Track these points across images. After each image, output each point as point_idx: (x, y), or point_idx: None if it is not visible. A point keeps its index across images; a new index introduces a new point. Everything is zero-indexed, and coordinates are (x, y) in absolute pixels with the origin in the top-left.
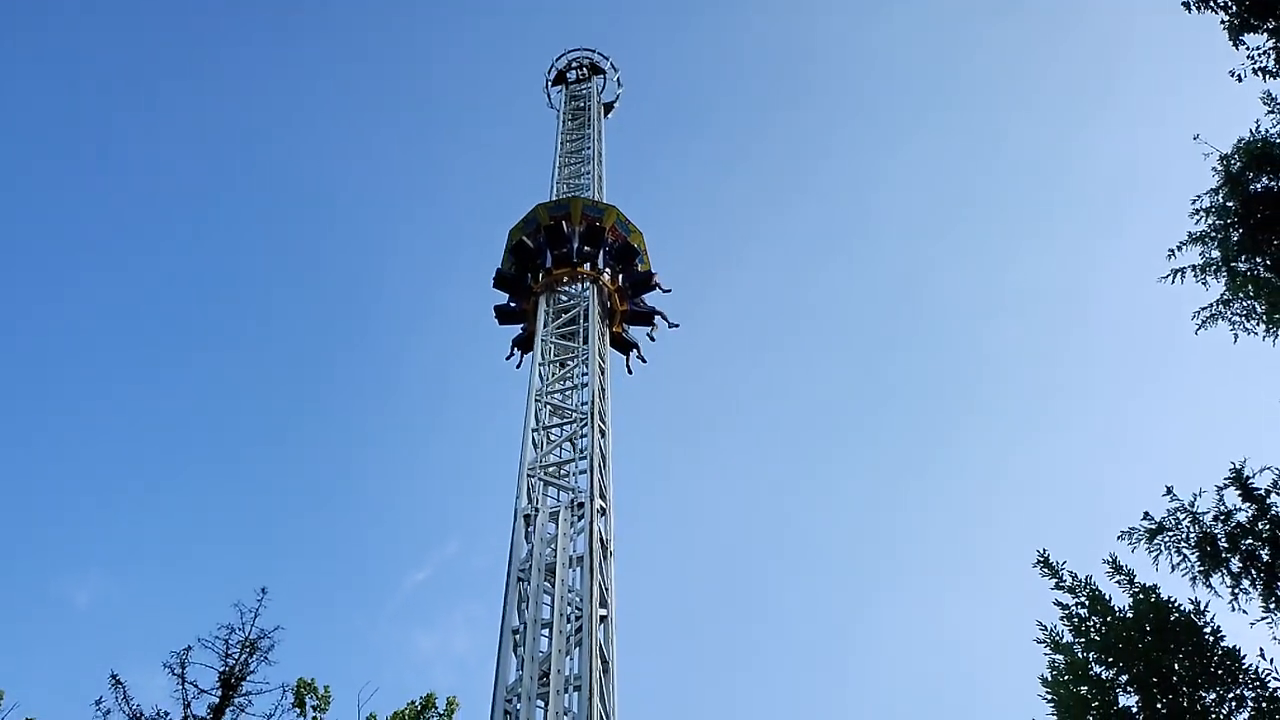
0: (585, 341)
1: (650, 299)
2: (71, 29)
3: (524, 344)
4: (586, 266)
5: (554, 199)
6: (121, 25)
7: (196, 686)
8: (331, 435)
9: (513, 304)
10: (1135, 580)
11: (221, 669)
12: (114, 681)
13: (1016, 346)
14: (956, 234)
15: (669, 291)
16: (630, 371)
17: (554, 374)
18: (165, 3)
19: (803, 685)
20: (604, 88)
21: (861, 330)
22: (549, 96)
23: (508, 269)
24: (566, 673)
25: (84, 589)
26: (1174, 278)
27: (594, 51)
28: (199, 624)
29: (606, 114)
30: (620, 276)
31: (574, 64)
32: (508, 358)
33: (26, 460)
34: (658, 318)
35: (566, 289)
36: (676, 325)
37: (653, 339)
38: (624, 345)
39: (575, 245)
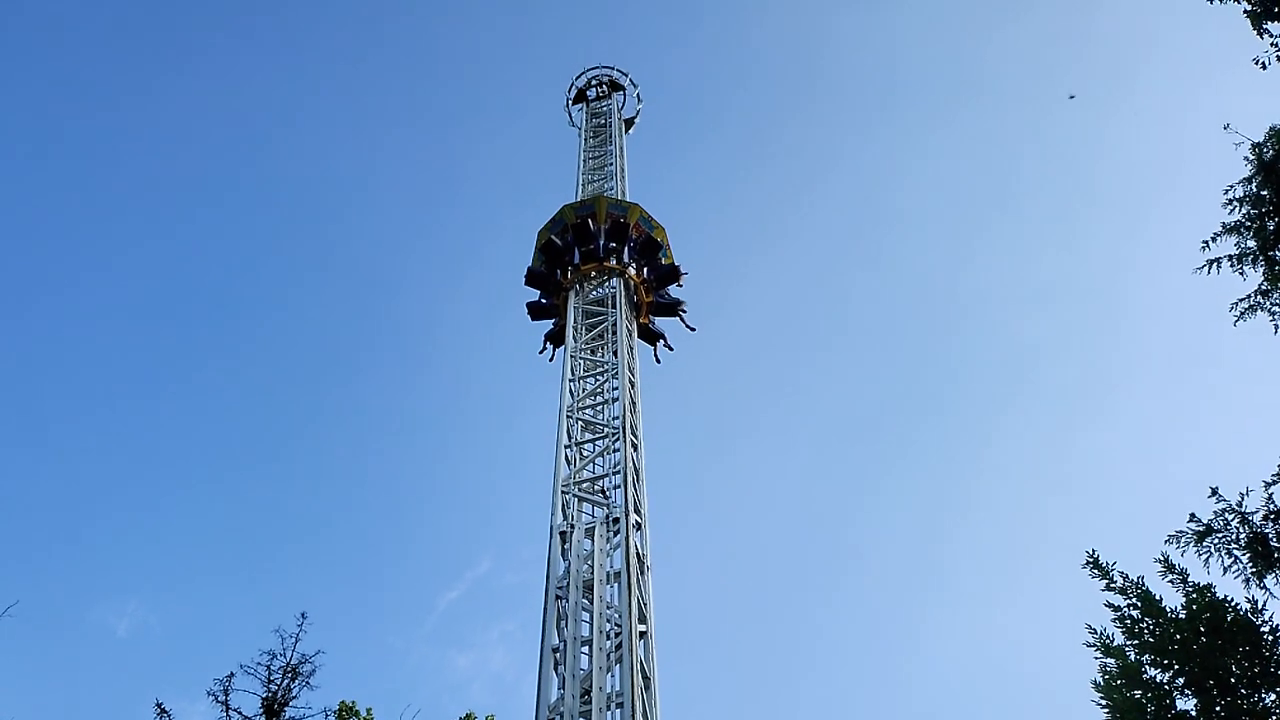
0: (615, 354)
1: (674, 291)
2: (83, 27)
3: (556, 338)
4: (613, 261)
5: (579, 199)
6: (139, 17)
7: (240, 713)
8: (356, 453)
9: (544, 300)
10: (1189, 579)
11: (264, 695)
12: (160, 711)
13: (1052, 342)
14: (985, 229)
15: (685, 276)
16: (658, 360)
17: (584, 389)
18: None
19: (849, 694)
20: (624, 104)
21: (893, 329)
22: (570, 115)
23: (538, 267)
24: (608, 690)
25: (123, 617)
26: (1209, 268)
27: (613, 69)
28: (237, 649)
29: (628, 130)
30: (645, 270)
31: (594, 82)
32: (540, 352)
33: (55, 489)
34: (681, 311)
35: (595, 284)
36: (693, 329)
37: (691, 328)
38: (651, 336)
39: (601, 242)
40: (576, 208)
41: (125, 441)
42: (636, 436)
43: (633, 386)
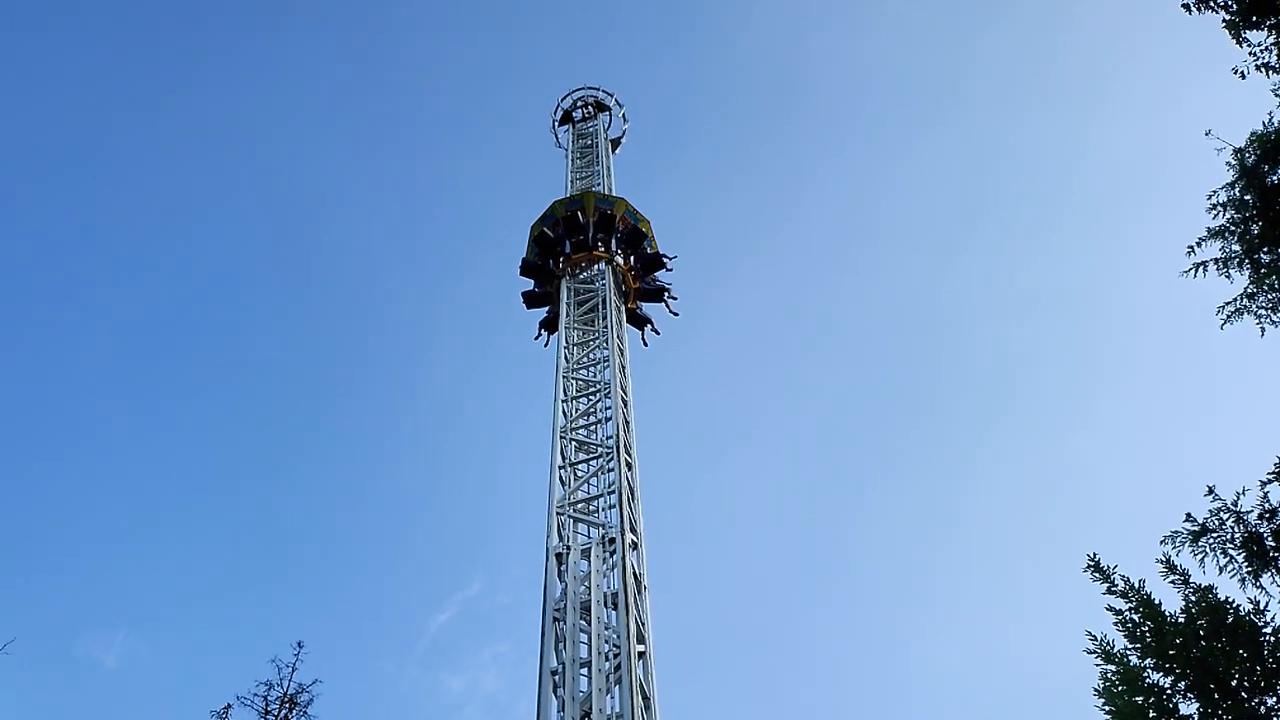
0: (606, 336)
1: (663, 277)
2: (75, 38)
3: (549, 325)
4: (601, 250)
5: (568, 195)
6: (134, 29)
7: None
8: (344, 476)
9: (537, 289)
10: (1190, 581)
11: None
12: None
13: (1042, 347)
14: (971, 235)
15: (674, 261)
16: (646, 344)
17: (577, 409)
18: (202, 8)
19: (850, 708)
20: (610, 124)
21: (881, 337)
22: (556, 136)
23: (532, 258)
24: (608, 712)
25: (111, 649)
26: (1195, 272)
27: (598, 90)
28: (227, 678)
29: (614, 150)
30: (632, 258)
31: (579, 103)
32: (535, 338)
33: (34, 518)
34: (667, 295)
35: (585, 274)
36: (676, 315)
37: (675, 313)
38: (639, 321)
39: (590, 233)
40: (566, 202)
41: (106, 468)
42: (630, 455)
43: (625, 405)
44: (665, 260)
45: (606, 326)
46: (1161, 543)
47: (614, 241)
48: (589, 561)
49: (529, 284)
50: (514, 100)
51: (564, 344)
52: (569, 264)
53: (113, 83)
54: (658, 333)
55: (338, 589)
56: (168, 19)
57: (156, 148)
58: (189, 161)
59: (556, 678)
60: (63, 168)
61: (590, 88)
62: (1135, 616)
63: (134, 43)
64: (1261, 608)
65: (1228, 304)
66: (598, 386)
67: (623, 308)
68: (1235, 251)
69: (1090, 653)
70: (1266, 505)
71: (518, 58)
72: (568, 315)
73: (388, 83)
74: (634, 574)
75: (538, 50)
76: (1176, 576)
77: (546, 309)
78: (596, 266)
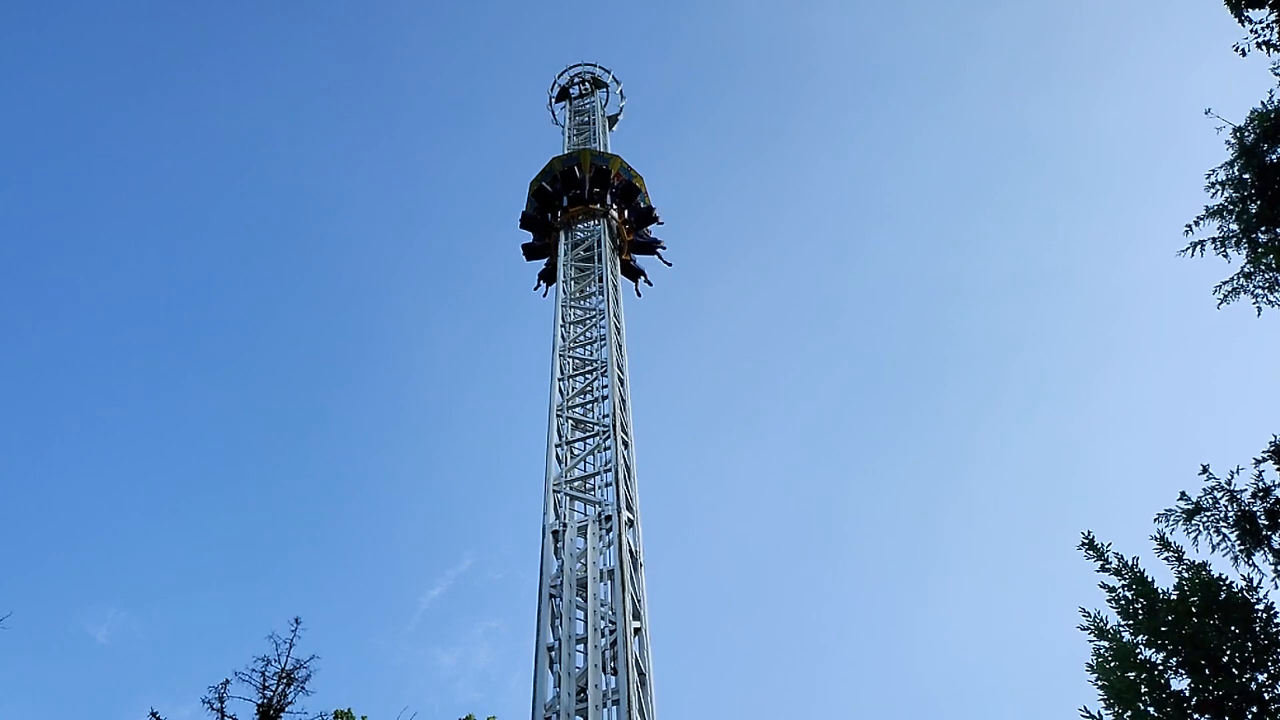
0: (603, 310)
1: (653, 232)
2: (77, 34)
3: (548, 276)
4: (597, 205)
5: (566, 153)
6: (124, 27)
7: None
8: (336, 454)
9: (536, 242)
10: (1184, 558)
11: (260, 701)
12: (154, 718)
13: (1040, 329)
14: (971, 218)
15: (663, 224)
16: (639, 294)
17: (574, 388)
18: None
19: (846, 686)
20: (607, 101)
21: (881, 320)
22: (553, 113)
23: (531, 212)
24: (604, 688)
25: (103, 625)
26: (1193, 251)
27: (595, 66)
28: (218, 654)
29: (611, 127)
30: (626, 212)
31: (576, 79)
32: (535, 288)
33: (26, 496)
34: (658, 250)
35: (581, 226)
36: (670, 264)
37: (668, 263)
38: (632, 273)
39: (587, 188)
40: (564, 158)
41: (94, 447)
42: (627, 434)
43: (622, 383)
44: (657, 219)
45: (602, 282)
46: (1155, 520)
47: (609, 195)
48: (585, 539)
49: (528, 241)
50: (511, 86)
51: (560, 322)
52: (566, 217)
53: (111, 78)
54: (650, 284)
55: (330, 566)
56: (163, 14)
57: (151, 141)
58: (183, 155)
59: (553, 654)
60: (61, 163)
61: (587, 64)
62: (1128, 594)
63: (129, 39)
64: (1254, 585)
65: (1225, 283)
66: (594, 364)
67: (618, 260)
68: (1233, 230)
69: (1084, 629)
70: (1260, 484)
71: (515, 44)
72: (565, 283)
73: (382, 66)
74: (630, 551)
75: (534, 36)
76: (1170, 554)
77: (545, 260)
78: (593, 220)
